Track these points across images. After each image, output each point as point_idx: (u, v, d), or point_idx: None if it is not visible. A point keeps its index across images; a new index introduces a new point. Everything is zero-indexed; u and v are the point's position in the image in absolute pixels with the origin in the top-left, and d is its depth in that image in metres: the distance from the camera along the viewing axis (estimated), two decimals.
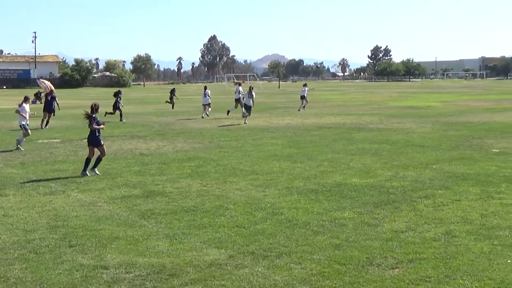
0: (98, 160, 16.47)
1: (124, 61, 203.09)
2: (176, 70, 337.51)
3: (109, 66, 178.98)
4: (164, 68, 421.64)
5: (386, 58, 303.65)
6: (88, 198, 13.27)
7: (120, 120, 35.56)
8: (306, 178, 15.29)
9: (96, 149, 16.47)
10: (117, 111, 36.37)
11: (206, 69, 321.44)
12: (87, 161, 16.20)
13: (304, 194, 13.36)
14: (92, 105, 16.60)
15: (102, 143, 16.69)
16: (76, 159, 19.53)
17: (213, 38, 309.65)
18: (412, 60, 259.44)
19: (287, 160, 18.60)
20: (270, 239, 9.79)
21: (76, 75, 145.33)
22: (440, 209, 11.66)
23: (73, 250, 9.31)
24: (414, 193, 13.24)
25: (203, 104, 39.10)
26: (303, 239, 9.77)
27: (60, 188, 14.36)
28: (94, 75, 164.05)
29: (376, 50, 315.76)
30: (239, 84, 40.15)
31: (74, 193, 13.88)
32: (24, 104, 23.14)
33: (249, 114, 33.47)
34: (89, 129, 16.46)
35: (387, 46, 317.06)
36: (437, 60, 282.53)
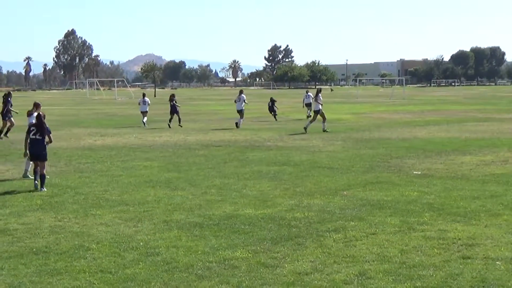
0: None
1: None
2: (24, 74, 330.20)
3: None
4: (7, 71, 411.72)
5: (287, 60, 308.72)
6: None
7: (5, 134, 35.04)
8: (189, 209, 15.27)
9: None
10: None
11: (62, 72, 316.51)
12: None
13: (186, 229, 13.33)
14: None
15: None
16: None
17: (71, 34, 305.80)
18: (318, 63, 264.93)
19: (165, 186, 18.53)
20: (143, 286, 9.69)
21: None
22: (352, 245, 11.88)
23: None
24: (321, 226, 13.44)
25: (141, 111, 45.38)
26: (184, 285, 9.73)
27: None
28: None
29: (274, 51, 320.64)
30: (242, 92, 44.89)
31: None
32: None
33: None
34: None
35: (287, 46, 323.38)
36: (348, 63, 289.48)
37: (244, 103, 42.83)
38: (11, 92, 39.40)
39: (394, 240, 12.18)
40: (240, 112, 42.40)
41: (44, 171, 18.38)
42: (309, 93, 48.13)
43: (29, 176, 19.97)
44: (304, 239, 12.34)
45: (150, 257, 11.24)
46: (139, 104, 47.35)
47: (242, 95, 43.64)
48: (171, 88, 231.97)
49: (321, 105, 38.69)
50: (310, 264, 10.69)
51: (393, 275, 10.05)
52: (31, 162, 19.34)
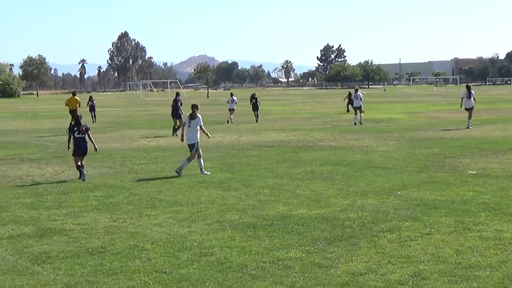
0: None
1: (11, 65, 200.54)
2: (79, 76, 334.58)
3: None
4: (63, 73, 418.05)
5: (340, 60, 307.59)
6: None
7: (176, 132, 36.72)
8: (242, 210, 15.30)
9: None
10: None
11: (116, 74, 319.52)
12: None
13: (239, 229, 13.35)
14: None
15: None
16: None
17: (124, 36, 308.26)
18: (371, 62, 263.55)
19: (218, 187, 18.59)
20: (197, 286, 9.73)
21: None
22: (407, 245, 11.79)
23: None
24: (375, 226, 13.37)
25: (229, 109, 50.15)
26: (238, 286, 9.75)
27: None
28: None
29: (327, 51, 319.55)
30: (232, 94, 51.82)
31: None
32: None
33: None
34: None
35: (340, 46, 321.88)
36: (401, 62, 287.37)
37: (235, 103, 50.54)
38: (179, 93, 42.11)
39: (449, 240, 12.06)
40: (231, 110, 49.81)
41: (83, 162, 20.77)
42: (358, 92, 47.82)
43: (205, 172, 21.14)
44: (358, 240, 12.28)
45: (204, 257, 11.28)
46: (227, 102, 51.37)
47: (234, 97, 50.99)
48: (224, 89, 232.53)
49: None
50: (364, 265, 10.63)
51: (449, 276, 9.95)
52: (188, 162, 21.29)
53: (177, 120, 37.36)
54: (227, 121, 48.77)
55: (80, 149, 20.77)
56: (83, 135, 20.85)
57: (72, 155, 21.03)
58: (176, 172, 20.93)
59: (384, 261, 10.80)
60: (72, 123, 21.34)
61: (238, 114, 51.46)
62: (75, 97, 41.77)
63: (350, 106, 57.68)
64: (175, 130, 37.03)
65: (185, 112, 40.07)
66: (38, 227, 13.82)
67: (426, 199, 16.17)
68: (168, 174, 21.20)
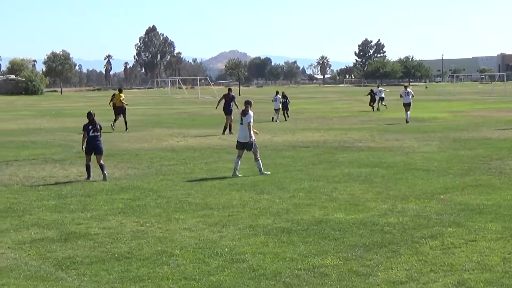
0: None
1: (34, 61, 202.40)
2: (104, 72, 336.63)
3: (15, 67, 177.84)
4: (88, 70, 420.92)
5: (379, 55, 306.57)
6: None
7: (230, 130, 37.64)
8: (276, 214, 15.30)
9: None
10: None
11: (143, 71, 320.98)
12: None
13: (273, 234, 13.36)
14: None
15: None
16: None
17: (152, 30, 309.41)
18: (412, 58, 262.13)
19: (250, 190, 18.62)
20: None
21: None
22: (451, 252, 11.74)
23: None
24: (416, 232, 13.32)
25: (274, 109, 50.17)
26: None
27: None
28: None
29: (365, 46, 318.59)
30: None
31: None
32: None
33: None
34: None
35: (379, 41, 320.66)
36: (444, 58, 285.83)
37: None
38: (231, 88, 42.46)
39: (496, 248, 11.98)
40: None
41: (102, 161, 21.21)
42: (408, 89, 48.01)
43: (238, 175, 21.26)
44: (398, 246, 12.24)
45: (236, 264, 11.30)
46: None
47: (278, 96, 49.93)
48: (257, 86, 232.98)
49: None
50: (405, 273, 10.59)
51: (495, 285, 9.89)
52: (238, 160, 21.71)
53: (228, 117, 38.05)
54: (272, 119, 49.12)
55: (91, 147, 21.16)
56: (98, 133, 21.26)
57: (85, 153, 21.37)
58: (261, 174, 21.47)
59: (426, 269, 10.75)
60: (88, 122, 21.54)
61: (270, 112, 51.32)
62: (121, 94, 43.49)
63: (373, 103, 60.71)
64: (225, 128, 37.85)
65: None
66: (62, 231, 13.93)
67: (471, 203, 16.07)
68: (197, 176, 21.26)
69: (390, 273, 10.62)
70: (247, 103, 22.19)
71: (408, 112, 45.59)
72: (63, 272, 10.98)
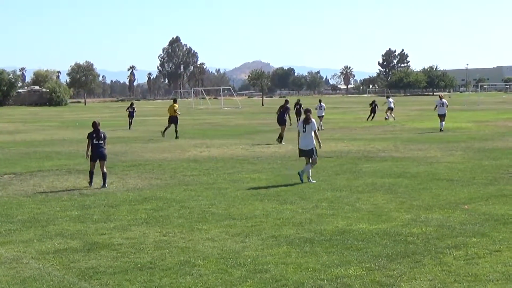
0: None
1: (58, 72, 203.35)
2: (128, 83, 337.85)
3: (39, 78, 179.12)
4: (111, 81, 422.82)
5: (402, 65, 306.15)
6: (10, 252, 13.17)
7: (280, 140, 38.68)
8: (299, 224, 15.28)
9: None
10: None
11: (166, 81, 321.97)
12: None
13: (296, 244, 13.34)
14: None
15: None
16: None
17: (175, 41, 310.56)
18: (436, 68, 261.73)
19: (273, 200, 18.61)
20: None
21: None
22: (475, 263, 11.68)
23: None
24: (440, 242, 13.27)
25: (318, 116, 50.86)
26: None
27: None
28: (19, 90, 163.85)
29: (389, 56, 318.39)
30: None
31: None
32: None
33: None
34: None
35: (403, 50, 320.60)
36: (468, 67, 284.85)
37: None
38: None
39: None
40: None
41: (105, 169, 22.19)
42: (443, 100, 48.08)
43: (312, 180, 21.90)
44: (422, 256, 12.19)
45: (259, 274, 11.29)
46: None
47: (322, 104, 51.82)
48: (280, 97, 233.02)
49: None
50: (429, 283, 10.55)
51: None
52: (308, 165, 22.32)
53: (282, 127, 39.17)
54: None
55: (96, 155, 22.16)
56: (102, 142, 22.32)
57: (90, 160, 22.35)
58: (309, 181, 21.85)
59: (449, 280, 10.71)
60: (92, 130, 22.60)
61: (293, 122, 51.20)
62: (175, 104, 45.95)
63: (373, 115, 62.94)
64: (280, 137, 38.51)
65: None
66: (85, 241, 13.98)
67: (495, 213, 15.99)
68: (220, 186, 21.28)
69: (413, 283, 10.59)
70: (308, 111, 22.79)
71: (443, 122, 46.25)
72: (86, 282, 11.02)
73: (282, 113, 40.04)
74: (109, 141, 39.90)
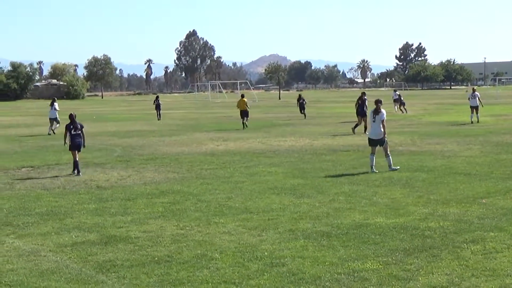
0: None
1: (76, 65, 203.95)
2: (145, 77, 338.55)
3: (57, 71, 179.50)
4: (128, 74, 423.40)
5: (420, 59, 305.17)
6: (28, 245, 13.23)
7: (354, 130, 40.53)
8: (316, 218, 15.27)
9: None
10: None
11: (183, 75, 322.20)
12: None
13: (312, 238, 13.34)
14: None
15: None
16: (12, 193, 19.47)
17: (192, 35, 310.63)
18: (453, 62, 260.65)
19: (290, 194, 18.60)
20: None
21: (12, 84, 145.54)
22: (492, 257, 11.64)
23: None
24: (457, 236, 13.22)
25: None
26: None
27: None
28: (37, 84, 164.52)
29: (406, 49, 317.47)
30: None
31: (10, 239, 13.84)
32: None
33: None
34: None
35: (420, 44, 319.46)
36: (486, 61, 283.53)
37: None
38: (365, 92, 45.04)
39: None
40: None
41: (77, 159, 23.57)
42: (476, 92, 48.27)
43: (375, 170, 22.51)
44: (439, 251, 12.15)
45: (275, 267, 11.29)
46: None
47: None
48: (297, 90, 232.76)
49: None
50: (446, 278, 10.52)
51: None
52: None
53: (362, 119, 40.57)
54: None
55: (75, 144, 23.64)
56: (79, 132, 23.82)
57: (69, 149, 24.07)
58: (391, 170, 22.64)
59: (467, 274, 10.67)
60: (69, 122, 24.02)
61: (310, 116, 51.21)
62: (244, 99, 50.02)
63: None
64: (363, 128, 39.55)
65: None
66: (103, 234, 14.02)
67: None
68: (237, 180, 21.28)
69: (430, 277, 10.55)
70: (378, 102, 23.48)
71: (478, 114, 47.79)
72: (104, 275, 11.05)
73: (361, 105, 41.34)
74: (127, 135, 40.14)
